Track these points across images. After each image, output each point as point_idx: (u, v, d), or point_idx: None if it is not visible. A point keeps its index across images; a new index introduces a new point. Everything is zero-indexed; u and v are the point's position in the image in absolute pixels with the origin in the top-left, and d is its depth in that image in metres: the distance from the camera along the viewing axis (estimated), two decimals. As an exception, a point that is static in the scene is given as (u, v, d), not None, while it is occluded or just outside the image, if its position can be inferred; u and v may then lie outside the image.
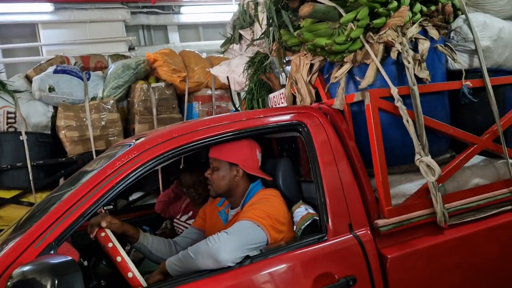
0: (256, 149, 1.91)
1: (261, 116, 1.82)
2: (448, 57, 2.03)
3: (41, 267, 1.14)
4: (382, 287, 1.67)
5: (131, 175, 1.52)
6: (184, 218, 2.78)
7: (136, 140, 1.70)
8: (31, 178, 3.33)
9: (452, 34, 2.08)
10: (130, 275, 1.54)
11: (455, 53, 2.05)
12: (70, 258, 1.17)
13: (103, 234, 1.63)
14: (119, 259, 1.57)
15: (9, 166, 3.32)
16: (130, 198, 3.72)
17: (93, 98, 3.61)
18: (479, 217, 1.93)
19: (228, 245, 1.48)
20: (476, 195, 1.96)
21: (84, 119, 3.49)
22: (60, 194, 1.62)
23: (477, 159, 2.15)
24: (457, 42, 2.07)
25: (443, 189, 1.86)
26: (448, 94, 2.07)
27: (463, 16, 2.05)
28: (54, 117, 3.55)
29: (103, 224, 1.64)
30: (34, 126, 3.49)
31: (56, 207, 1.44)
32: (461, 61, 2.04)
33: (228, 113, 1.97)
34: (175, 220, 2.85)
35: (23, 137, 3.36)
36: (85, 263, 2.05)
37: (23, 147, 3.35)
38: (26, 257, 1.29)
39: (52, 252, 1.33)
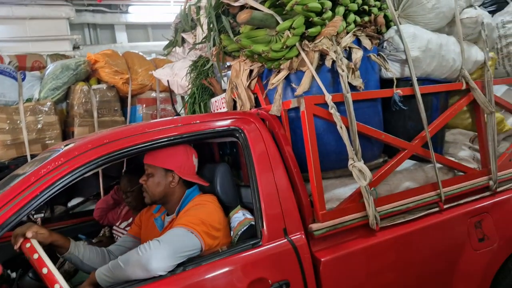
0: (192, 154, 1.89)
1: (198, 121, 1.81)
2: (380, 66, 2.12)
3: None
4: (315, 289, 1.71)
5: (58, 183, 1.46)
6: (123, 225, 2.71)
7: (65, 146, 1.63)
8: (-43, 184, 3.11)
9: (385, 44, 2.17)
10: (57, 287, 1.47)
11: (387, 62, 2.14)
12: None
13: (28, 245, 1.55)
14: (45, 270, 1.50)
15: None
16: (69, 204, 3.57)
17: (29, 100, 3.42)
18: (409, 219, 2.02)
19: (159, 253, 1.46)
20: (406, 198, 2.05)
21: (18, 122, 3.30)
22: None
23: (408, 163, 2.26)
24: (389, 51, 2.16)
25: (375, 193, 1.93)
26: (381, 102, 2.16)
27: (395, 27, 2.15)
28: (-16, 119, 3.33)
29: (29, 234, 1.55)
30: (-39, 128, 3.26)
31: (-29, 217, 1.35)
32: (393, 70, 2.14)
33: (164, 119, 1.94)
34: (114, 227, 2.77)
35: (-51, 141, 3.13)
36: (13, 275, 1.95)
37: None
38: None
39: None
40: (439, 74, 2.30)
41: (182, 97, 3.27)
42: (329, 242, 1.83)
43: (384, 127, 2.15)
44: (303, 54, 1.88)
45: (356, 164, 1.81)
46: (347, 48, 1.97)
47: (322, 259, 1.73)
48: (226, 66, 2.43)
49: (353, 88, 1.94)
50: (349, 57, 1.98)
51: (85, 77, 3.76)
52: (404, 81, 2.19)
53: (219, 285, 1.54)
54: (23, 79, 3.48)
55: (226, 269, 1.57)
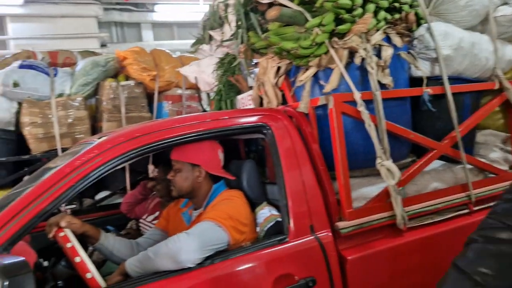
0: (218, 150, 1.92)
1: (226, 117, 1.82)
2: (410, 64, 2.09)
3: (-8, 267, 1.11)
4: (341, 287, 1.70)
5: (91, 174, 1.50)
6: (150, 218, 2.75)
7: (98, 138, 1.67)
8: (-8, 176, 3.23)
9: (415, 42, 2.14)
10: (89, 275, 1.51)
11: (418, 60, 2.11)
12: (22, 258, 1.15)
13: (62, 234, 1.60)
14: (78, 259, 1.54)
15: (-31, 164, 3.21)
16: (96, 197, 3.66)
17: (60, 95, 3.53)
18: (437, 220, 1.99)
19: (188, 245, 1.48)
20: (435, 199, 2.02)
21: (50, 116, 3.40)
22: (18, 192, 1.57)
23: (436, 164, 2.23)
24: (420, 50, 2.13)
25: (403, 193, 1.92)
26: (410, 100, 2.13)
27: (426, 25, 2.12)
28: (18, 113, 3.44)
29: (62, 224, 1.61)
30: (-4, 122, 3.38)
31: (11, 206, 1.40)
32: (423, 69, 2.11)
33: (193, 114, 1.97)
34: (141, 220, 2.82)
35: (-15, 134, 3.25)
36: (45, 263, 2.01)
37: (-16, 144, 3.24)
38: (-23, 257, 1.25)
39: (5, 252, 1.30)
40: (471, 73, 2.25)
41: (208, 94, 3.30)
42: (355, 240, 1.81)
43: (412, 126, 2.12)
44: (332, 51, 1.88)
45: (384, 163, 1.80)
46: (377, 46, 1.95)
47: (349, 258, 1.73)
48: (253, 63, 2.44)
49: (382, 86, 1.93)
50: (378, 55, 1.96)
51: (114, 73, 3.85)
52: (434, 80, 2.15)
53: (246, 278, 1.56)
54: (55, 75, 3.59)
55: (253, 263, 1.59)
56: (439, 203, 2.01)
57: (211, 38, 2.84)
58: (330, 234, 1.76)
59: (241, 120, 1.86)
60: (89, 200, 3.63)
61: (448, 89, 2.07)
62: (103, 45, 7.70)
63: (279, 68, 2.17)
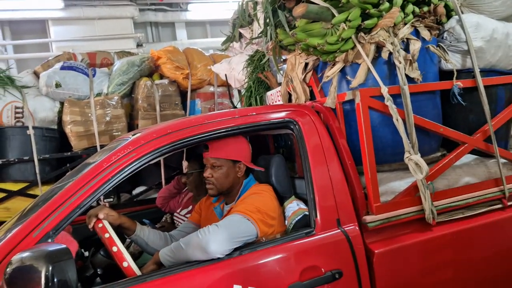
0: (249, 144, 1.99)
1: (254, 113, 1.87)
2: (440, 57, 2.06)
3: (38, 254, 1.21)
4: (368, 281, 1.72)
5: (126, 169, 1.59)
6: (184, 212, 2.85)
7: (132, 135, 1.76)
8: (37, 172, 3.43)
9: (445, 34, 2.11)
10: (125, 264, 1.61)
11: (448, 53, 2.08)
12: (64, 246, 1.24)
13: (100, 225, 1.70)
14: (115, 249, 1.64)
15: (16, 160, 3.42)
16: (133, 192, 3.81)
17: (98, 94, 3.69)
18: (468, 215, 1.96)
19: (217, 237, 1.54)
20: (466, 193, 1.99)
21: (89, 115, 3.57)
22: (61, 186, 1.69)
23: (469, 158, 2.19)
24: (450, 42, 2.10)
25: (431, 187, 1.90)
26: (440, 94, 2.10)
27: (457, 17, 2.08)
28: (60, 112, 3.64)
29: (101, 215, 1.71)
30: (41, 121, 3.58)
31: (54, 198, 1.51)
32: (453, 61, 2.08)
33: (222, 110, 2.03)
34: (175, 214, 2.92)
35: (30, 132, 3.45)
36: (86, 253, 2.14)
37: (30, 141, 3.44)
38: (25, 245, 1.37)
39: (49, 240, 1.40)
40: (505, 65, 2.20)
41: (239, 91, 3.36)
42: (383, 234, 1.82)
43: (443, 120, 2.10)
44: (358, 46, 1.89)
45: (413, 157, 1.80)
46: (405, 40, 1.94)
47: (376, 251, 1.74)
48: (281, 60, 2.48)
49: (410, 80, 1.92)
50: (406, 49, 1.95)
51: (148, 72, 3.99)
52: (466, 73, 2.12)
53: (273, 270, 1.60)
54: (93, 75, 3.76)
55: (280, 255, 1.63)
56: (470, 198, 1.98)
57: (241, 36, 2.90)
58: (357, 228, 1.77)
59: (269, 116, 1.90)
60: (126, 195, 3.79)
61: (480, 82, 2.03)
62: (139, 45, 7.92)
63: (307, 64, 2.19)
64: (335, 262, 1.68)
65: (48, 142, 3.58)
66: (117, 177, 1.56)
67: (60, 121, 3.65)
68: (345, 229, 1.75)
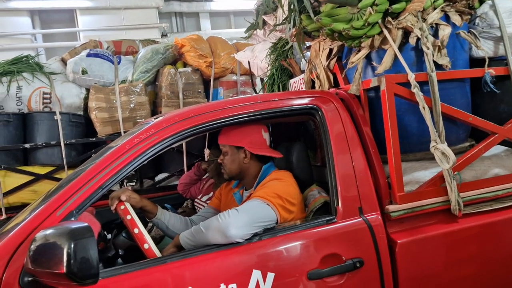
0: (261, 129, 1.96)
1: (276, 99, 1.85)
2: (471, 44, 1.99)
3: (61, 231, 1.24)
4: (389, 271, 1.69)
5: (148, 151, 1.60)
6: (204, 198, 2.87)
7: (155, 119, 1.77)
8: (63, 156, 3.50)
9: (477, 20, 2.03)
10: (146, 246, 1.63)
11: (479, 40, 2.01)
12: (86, 224, 1.26)
13: (122, 207, 1.72)
14: (136, 231, 1.66)
15: (43, 144, 3.50)
16: (156, 179, 3.86)
17: (123, 81, 3.74)
18: (497, 208, 1.90)
19: (237, 221, 1.54)
20: (495, 185, 1.92)
21: (114, 101, 3.62)
22: (84, 168, 1.71)
23: (499, 149, 2.11)
24: (482, 28, 2.02)
25: (458, 178, 1.84)
26: (470, 82, 2.03)
27: (490, 1, 2.00)
28: (86, 99, 3.70)
29: (123, 197, 1.73)
30: (67, 106, 3.65)
31: (78, 179, 1.53)
32: (485, 48, 2.00)
33: (244, 96, 2.02)
34: (196, 200, 2.95)
35: (57, 117, 3.52)
36: (109, 236, 2.17)
37: (57, 127, 3.51)
38: (49, 223, 1.39)
39: (73, 219, 1.43)
40: (541, 53, 2.10)
41: (262, 79, 3.34)
42: (406, 224, 1.78)
43: (473, 109, 2.03)
44: (385, 31, 1.83)
45: (439, 146, 1.74)
46: (434, 25, 1.88)
47: (399, 241, 1.70)
48: (305, 46, 2.44)
49: (438, 67, 1.85)
50: (435, 35, 1.88)
51: (172, 60, 4.01)
52: (498, 61, 2.04)
53: (293, 256, 1.59)
54: (118, 63, 3.80)
55: (301, 242, 1.61)
56: (499, 190, 1.91)
57: (264, 23, 2.87)
58: (380, 217, 1.74)
59: (292, 102, 1.88)
60: (149, 181, 3.85)
61: (514, 70, 1.94)
62: (163, 35, 7.98)
63: (331, 50, 2.15)
64: (356, 250, 1.65)
65: (74, 128, 3.65)
66: (138, 160, 1.57)
67: (86, 107, 3.71)
68: (367, 218, 1.72)
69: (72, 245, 1.18)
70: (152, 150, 1.60)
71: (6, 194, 3.40)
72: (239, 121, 1.77)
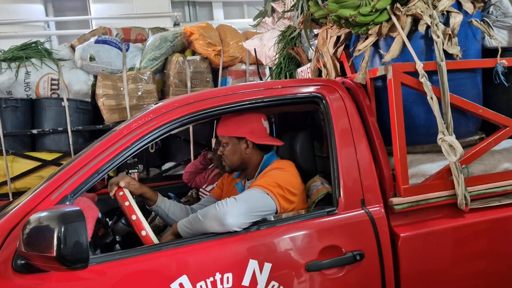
0: (261, 118, 1.91)
1: (279, 86, 1.81)
2: (484, 33, 1.92)
3: (53, 214, 1.22)
4: (391, 265, 1.64)
5: (146, 137, 1.57)
6: (209, 188, 2.85)
7: (155, 104, 1.74)
8: (70, 143, 3.51)
9: (491, 8, 1.96)
10: (143, 233, 1.61)
11: (492, 29, 1.93)
12: (78, 208, 1.24)
13: (121, 193, 1.71)
14: (134, 217, 1.64)
15: (51, 130, 3.51)
16: (163, 168, 3.85)
17: (131, 69, 3.72)
18: (506, 203, 1.83)
19: (235, 210, 1.51)
20: (504, 180, 1.85)
21: (121, 89, 3.61)
22: (83, 152, 1.70)
23: (509, 143, 2.04)
24: (496, 17, 1.94)
25: (466, 171, 1.79)
26: (482, 73, 1.96)
27: (505, -11, 1.92)
28: (94, 86, 3.69)
29: (122, 183, 1.71)
30: (75, 93, 3.65)
31: (74, 163, 1.52)
32: (498, 38, 1.92)
33: (246, 83, 1.98)
34: (200, 190, 2.93)
35: (65, 103, 3.53)
36: (110, 223, 2.17)
37: (64, 113, 3.52)
38: (43, 206, 1.38)
39: (67, 203, 1.41)
40: (557, 44, 2.01)
41: (270, 68, 3.29)
42: (410, 218, 1.73)
43: (484, 101, 1.96)
44: (394, 18, 1.77)
45: (446, 138, 1.68)
46: (445, 12, 1.81)
47: (401, 235, 1.65)
48: (313, 35, 2.38)
49: (449, 56, 1.79)
50: (446, 23, 1.81)
51: (181, 48, 3.98)
52: (512, 51, 1.97)
53: (291, 247, 1.55)
54: (127, 50, 3.78)
55: (300, 232, 1.58)
56: (509, 185, 1.85)
57: (273, 10, 2.81)
58: (383, 209, 1.69)
59: (296, 90, 1.83)
60: (155, 169, 3.84)
61: (528, 61, 1.87)
62: (176, 24, 7.94)
63: (338, 38, 2.10)
64: (357, 243, 1.61)
65: (82, 115, 3.66)
66: (136, 145, 1.55)
67: (93, 94, 3.71)
68: (370, 210, 1.67)
69: (63, 229, 1.17)
70: (151, 136, 1.57)
71: (14, 179, 3.43)
72: (241, 108, 1.73)
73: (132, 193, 1.75)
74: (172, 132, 1.65)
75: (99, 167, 1.49)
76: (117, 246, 1.79)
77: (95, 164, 1.49)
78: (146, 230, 1.62)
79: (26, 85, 3.53)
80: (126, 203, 1.68)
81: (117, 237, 1.76)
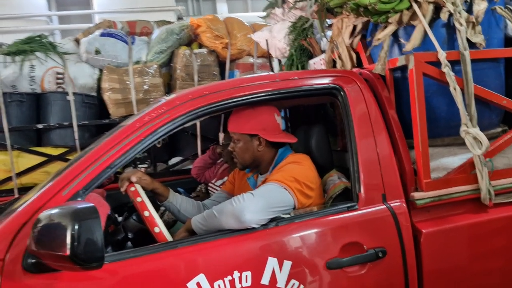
0: (274, 114, 1.83)
1: (296, 77, 1.74)
2: (507, 21, 1.84)
3: (65, 211, 1.16)
4: (414, 262, 1.58)
5: (160, 130, 1.51)
6: (218, 183, 2.79)
7: (167, 96, 1.68)
8: (76, 138, 3.45)
9: (515, -5, 1.88)
10: (156, 230, 1.55)
11: (517, 16, 1.86)
12: (92, 204, 1.18)
13: (132, 188, 1.65)
14: (146, 213, 1.58)
15: (56, 125, 3.46)
16: (170, 162, 3.80)
17: (137, 62, 3.65)
18: (531, 198, 1.77)
19: (252, 206, 1.45)
20: (529, 174, 1.79)
21: (128, 82, 3.54)
22: (93, 147, 1.64)
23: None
24: (520, 4, 1.87)
25: (490, 165, 1.72)
26: (504, 63, 1.89)
27: (530, -25, 1.85)
28: (99, 80, 3.63)
29: (133, 179, 1.65)
30: (81, 87, 3.58)
31: (85, 157, 1.46)
32: (523, 26, 1.85)
33: (261, 74, 1.91)
34: (210, 184, 2.87)
35: (70, 98, 3.47)
36: (120, 218, 2.11)
37: (70, 107, 3.46)
38: (54, 203, 1.32)
39: (79, 199, 1.36)
40: None
41: (279, 61, 3.22)
42: (432, 213, 1.67)
43: (506, 92, 1.89)
44: (415, 6, 1.70)
45: (471, 131, 1.62)
46: (468, 0, 1.74)
47: (424, 230, 1.60)
48: (327, 25, 2.31)
49: (471, 45, 1.72)
50: (469, 10, 1.74)
51: (187, 41, 3.91)
52: (536, 40, 1.89)
53: (311, 244, 1.50)
54: (132, 43, 3.72)
55: (320, 229, 1.52)
56: (534, 180, 1.78)
57: (283, 1, 2.74)
58: (404, 204, 1.63)
59: (312, 81, 1.77)
60: (162, 164, 3.79)
61: (553, 50, 1.80)
62: (179, 18, 7.87)
63: (354, 27, 2.03)
64: (378, 239, 1.55)
65: (88, 109, 3.60)
66: (149, 139, 1.49)
67: (99, 89, 3.64)
68: (391, 205, 1.61)
69: (77, 227, 1.11)
70: (164, 129, 1.51)
71: (19, 174, 3.37)
72: (256, 100, 1.66)
73: (143, 189, 1.69)
74: (186, 125, 1.59)
75: (111, 161, 1.43)
76: (129, 243, 1.73)
77: (108, 159, 1.43)
78: (160, 227, 1.56)
79: (31, 79, 3.47)
80: (138, 199, 1.62)
81: (129, 234, 1.70)
